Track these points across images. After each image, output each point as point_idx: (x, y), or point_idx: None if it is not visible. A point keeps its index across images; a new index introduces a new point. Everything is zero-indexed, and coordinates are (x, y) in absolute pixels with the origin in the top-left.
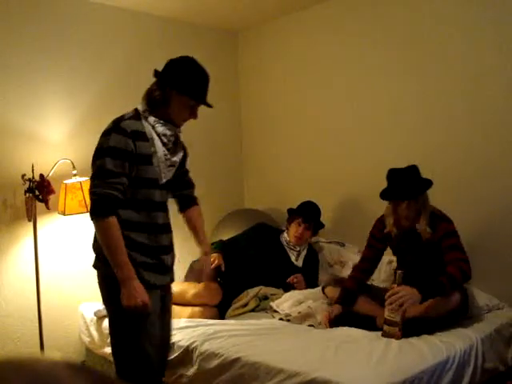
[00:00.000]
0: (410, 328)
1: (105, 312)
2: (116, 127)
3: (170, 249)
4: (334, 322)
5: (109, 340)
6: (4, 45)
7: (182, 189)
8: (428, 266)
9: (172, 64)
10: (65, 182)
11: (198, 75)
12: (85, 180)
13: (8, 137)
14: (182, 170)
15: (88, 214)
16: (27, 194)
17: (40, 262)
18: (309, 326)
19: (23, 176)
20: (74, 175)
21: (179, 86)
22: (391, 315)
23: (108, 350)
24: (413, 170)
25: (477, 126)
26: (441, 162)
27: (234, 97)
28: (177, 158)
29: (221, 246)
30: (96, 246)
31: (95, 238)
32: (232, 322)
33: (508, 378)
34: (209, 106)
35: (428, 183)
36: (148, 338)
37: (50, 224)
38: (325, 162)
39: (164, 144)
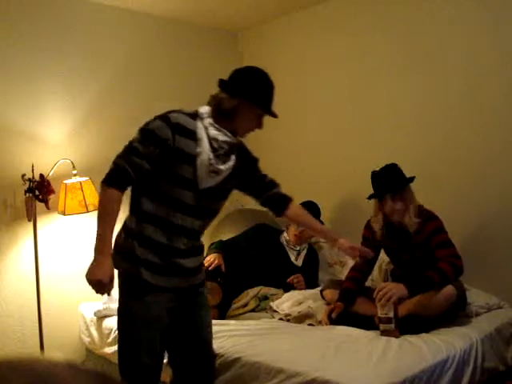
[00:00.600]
0: (406, 325)
1: (105, 312)
2: (163, 114)
3: (189, 253)
4: (334, 320)
5: (109, 340)
6: (4, 45)
7: (266, 191)
8: (421, 264)
9: (242, 74)
10: (65, 182)
11: (268, 86)
12: (85, 180)
13: (8, 137)
14: (255, 176)
15: (88, 215)
16: (27, 194)
17: (40, 262)
18: (309, 325)
19: (23, 176)
20: (74, 175)
21: (254, 98)
22: (383, 312)
23: (108, 350)
24: (392, 167)
25: (476, 126)
26: (441, 161)
27: None
28: (223, 167)
29: (221, 246)
30: (117, 245)
31: (117, 237)
32: (232, 322)
33: (508, 378)
34: (275, 116)
35: (409, 178)
36: (143, 345)
37: (50, 224)
38: (325, 162)
39: (213, 149)
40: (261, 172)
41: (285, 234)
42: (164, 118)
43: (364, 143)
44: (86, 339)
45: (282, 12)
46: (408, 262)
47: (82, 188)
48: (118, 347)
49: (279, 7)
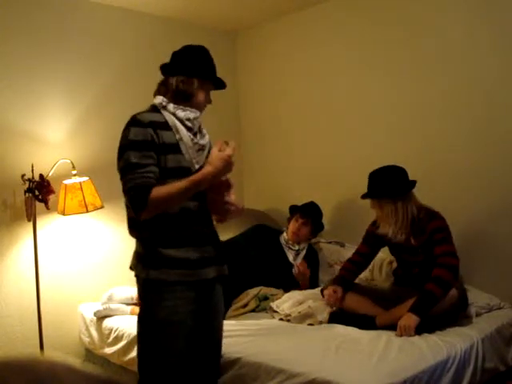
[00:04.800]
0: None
1: (105, 312)
2: (132, 120)
3: (210, 239)
4: (332, 320)
5: (108, 340)
6: (3, 44)
7: None
8: (424, 265)
9: (187, 53)
10: (64, 182)
11: (212, 61)
12: (85, 180)
13: (8, 137)
14: None
15: (88, 215)
16: (27, 194)
17: (40, 262)
18: (309, 324)
19: (23, 176)
20: (74, 175)
21: (208, 75)
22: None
23: (108, 350)
24: (386, 171)
25: (474, 125)
26: (441, 161)
27: (233, 97)
28: (204, 142)
29: None
30: (138, 255)
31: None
32: (232, 322)
33: (508, 378)
34: (225, 87)
35: (408, 185)
36: (168, 349)
37: (49, 224)
38: (325, 162)
39: (189, 129)
40: None
41: (284, 234)
42: (135, 122)
43: (364, 143)
44: (86, 339)
45: (281, 12)
46: (411, 263)
47: (81, 188)
48: (141, 355)
49: (279, 7)
